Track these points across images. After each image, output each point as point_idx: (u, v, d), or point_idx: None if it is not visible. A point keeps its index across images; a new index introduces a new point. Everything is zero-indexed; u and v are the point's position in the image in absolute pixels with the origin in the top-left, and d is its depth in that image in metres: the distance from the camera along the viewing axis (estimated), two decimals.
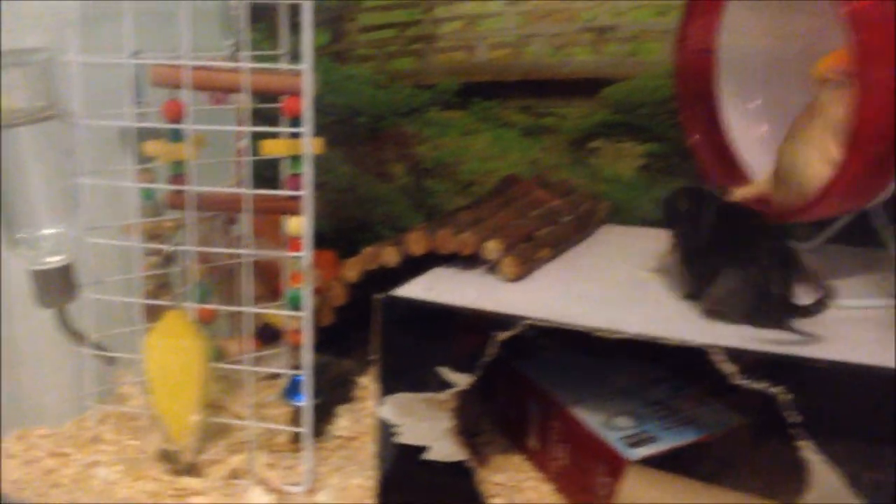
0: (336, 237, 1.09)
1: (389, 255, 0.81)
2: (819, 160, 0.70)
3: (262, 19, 1.02)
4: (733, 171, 0.83)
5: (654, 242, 0.88)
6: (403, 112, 1.05)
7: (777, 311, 0.67)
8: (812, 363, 0.61)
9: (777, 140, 0.77)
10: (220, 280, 0.93)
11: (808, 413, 0.61)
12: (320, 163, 1.07)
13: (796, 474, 0.62)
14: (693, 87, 0.84)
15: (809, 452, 0.61)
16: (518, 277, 0.77)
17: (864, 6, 0.65)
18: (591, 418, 0.76)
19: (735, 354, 0.62)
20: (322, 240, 1.04)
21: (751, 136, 0.84)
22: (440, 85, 1.03)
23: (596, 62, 0.96)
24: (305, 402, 0.79)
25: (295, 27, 0.75)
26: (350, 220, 1.10)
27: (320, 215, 1.09)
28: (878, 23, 0.65)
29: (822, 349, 0.62)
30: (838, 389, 0.61)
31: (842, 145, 0.69)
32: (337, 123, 1.07)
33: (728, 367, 0.62)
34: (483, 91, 1.02)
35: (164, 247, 0.83)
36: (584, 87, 0.97)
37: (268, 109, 0.81)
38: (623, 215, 0.97)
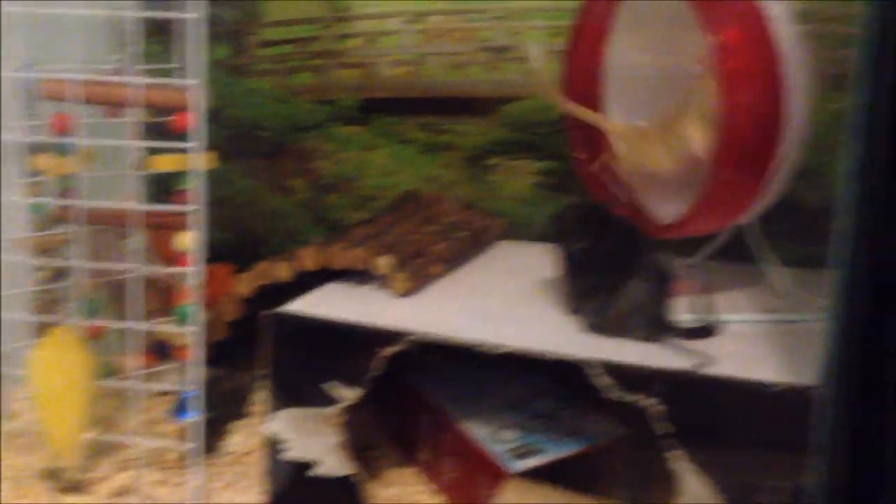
0: (237, 251, 1.09)
1: (282, 271, 0.82)
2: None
3: (162, 32, 1.01)
4: (616, 187, 0.85)
5: (547, 258, 0.90)
6: (304, 127, 1.05)
7: (657, 328, 0.69)
8: (684, 376, 0.63)
9: None
10: (113, 295, 0.93)
11: (681, 424, 0.63)
12: (220, 177, 1.06)
13: (669, 482, 0.65)
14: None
15: (679, 461, 0.64)
16: (409, 293, 0.78)
17: (729, 36, 0.68)
18: (478, 431, 0.78)
19: (613, 369, 0.64)
20: (222, 254, 1.04)
21: None
22: (341, 100, 1.04)
23: (493, 81, 0.98)
24: (194, 418, 0.79)
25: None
26: (251, 234, 1.10)
27: (220, 229, 1.09)
28: (743, 52, 0.68)
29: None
30: (710, 401, 0.63)
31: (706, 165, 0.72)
32: (237, 137, 1.07)
33: (605, 381, 0.65)
34: (383, 107, 1.03)
35: (53, 261, 0.81)
36: (482, 105, 0.99)
37: (165, 123, 0.80)
38: (519, 231, 0.99)
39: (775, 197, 0.74)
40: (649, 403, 0.63)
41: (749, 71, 0.68)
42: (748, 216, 0.76)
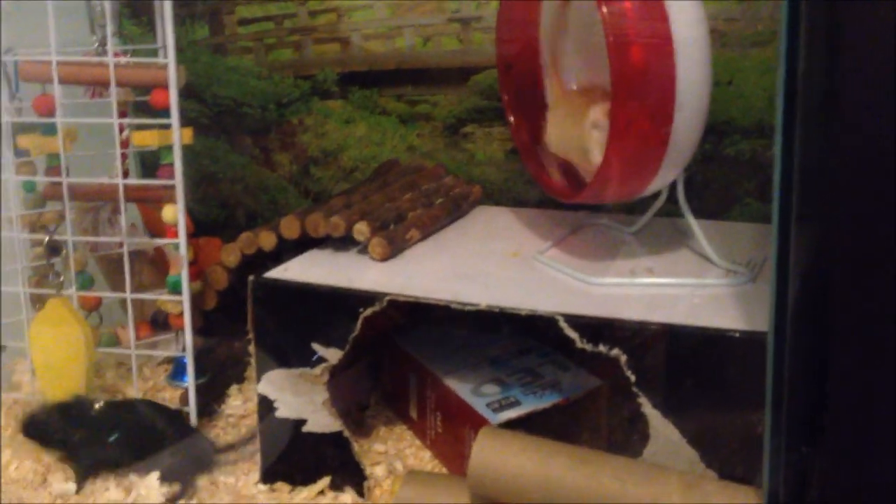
0: (228, 225, 1.12)
1: (266, 240, 0.85)
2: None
3: (145, 12, 1.04)
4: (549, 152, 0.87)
5: (523, 222, 0.93)
6: (285, 102, 1.08)
7: None
8: (646, 326, 0.66)
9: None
10: (113, 268, 0.96)
11: (648, 372, 0.66)
12: (209, 152, 1.10)
13: (640, 428, 0.68)
14: (515, 70, 0.88)
15: (647, 408, 0.67)
16: (386, 257, 0.81)
17: (621, 7, 0.69)
18: (461, 387, 0.81)
19: (584, 322, 0.67)
20: (214, 227, 1.07)
21: None
22: (319, 75, 1.06)
23: (464, 51, 1.01)
24: (188, 382, 0.83)
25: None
26: (241, 208, 1.13)
27: (211, 204, 1.12)
28: (634, 22, 0.69)
29: (657, 314, 0.68)
30: (673, 349, 0.67)
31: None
32: (222, 114, 1.10)
33: (572, 334, 0.68)
34: (360, 80, 1.05)
35: (45, 236, 0.85)
36: (455, 75, 1.01)
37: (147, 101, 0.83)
38: (496, 196, 1.01)
39: (687, 159, 0.74)
40: (618, 354, 0.66)
41: (639, 38, 0.68)
42: (666, 178, 0.76)
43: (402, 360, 0.88)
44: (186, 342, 0.82)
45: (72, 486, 0.78)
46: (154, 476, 0.78)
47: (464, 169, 1.02)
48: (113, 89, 0.78)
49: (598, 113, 0.76)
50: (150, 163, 0.95)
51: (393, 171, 0.98)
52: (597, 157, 0.76)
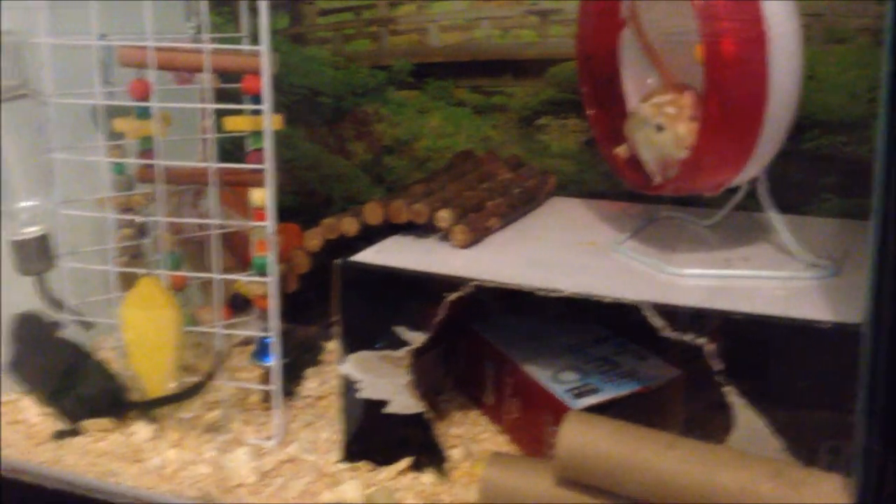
0: (303, 212, 1.14)
1: (348, 225, 0.86)
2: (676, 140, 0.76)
3: (225, 3, 1.07)
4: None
5: (598, 213, 0.94)
6: (361, 92, 1.10)
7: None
8: (734, 315, 0.67)
9: None
10: (193, 251, 0.98)
11: (733, 361, 0.67)
12: (285, 141, 1.12)
13: (724, 417, 0.69)
14: (595, 63, 0.89)
15: (733, 397, 0.67)
16: (468, 244, 0.82)
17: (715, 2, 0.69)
18: (540, 374, 0.82)
19: (667, 310, 0.68)
20: (289, 214, 1.09)
21: None
22: (395, 66, 1.08)
23: (541, 43, 1.01)
24: (274, 361, 0.84)
25: (254, 11, 0.80)
26: (315, 196, 1.15)
27: (287, 191, 1.14)
28: (727, 16, 0.69)
29: (744, 304, 0.68)
30: (759, 339, 0.67)
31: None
32: (300, 103, 1.12)
33: (658, 322, 0.68)
34: (436, 71, 1.06)
35: (136, 217, 0.87)
36: (531, 66, 1.02)
37: (232, 88, 0.85)
38: (570, 188, 1.02)
39: (773, 153, 0.74)
40: (703, 342, 0.67)
41: (733, 36, 0.69)
42: (753, 170, 0.76)
43: (479, 347, 0.89)
44: (272, 323, 0.83)
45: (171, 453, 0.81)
46: (243, 451, 0.80)
47: (538, 160, 1.03)
48: (208, 75, 0.80)
49: (647, 110, 0.77)
50: (230, 148, 0.97)
51: (469, 162, 0.99)
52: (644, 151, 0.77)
